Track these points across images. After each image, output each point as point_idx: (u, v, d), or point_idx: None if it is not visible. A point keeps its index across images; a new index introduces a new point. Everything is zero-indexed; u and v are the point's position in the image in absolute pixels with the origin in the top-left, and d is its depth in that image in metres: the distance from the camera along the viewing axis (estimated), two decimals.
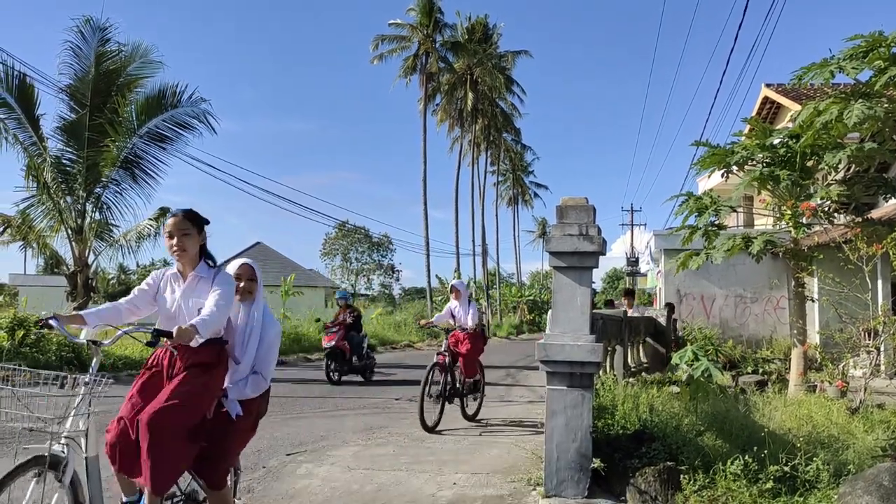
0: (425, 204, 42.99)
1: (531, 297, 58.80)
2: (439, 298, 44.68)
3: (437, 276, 48.34)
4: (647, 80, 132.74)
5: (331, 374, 13.80)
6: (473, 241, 51.21)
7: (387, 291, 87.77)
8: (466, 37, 47.25)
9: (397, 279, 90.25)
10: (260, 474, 6.18)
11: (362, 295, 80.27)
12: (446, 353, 8.88)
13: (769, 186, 9.51)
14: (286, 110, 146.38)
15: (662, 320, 12.37)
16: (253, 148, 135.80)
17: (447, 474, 6.27)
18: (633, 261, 45.26)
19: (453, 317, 9.50)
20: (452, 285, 10.05)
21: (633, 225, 51.63)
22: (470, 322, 9.30)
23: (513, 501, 5.41)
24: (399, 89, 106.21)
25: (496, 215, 61.30)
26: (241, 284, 3.97)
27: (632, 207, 53.19)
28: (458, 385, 9.05)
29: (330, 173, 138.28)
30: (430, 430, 8.31)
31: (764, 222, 15.55)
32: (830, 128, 8.41)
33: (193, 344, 3.48)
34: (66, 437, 3.26)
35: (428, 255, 42.30)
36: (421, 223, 43.16)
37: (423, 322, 10.77)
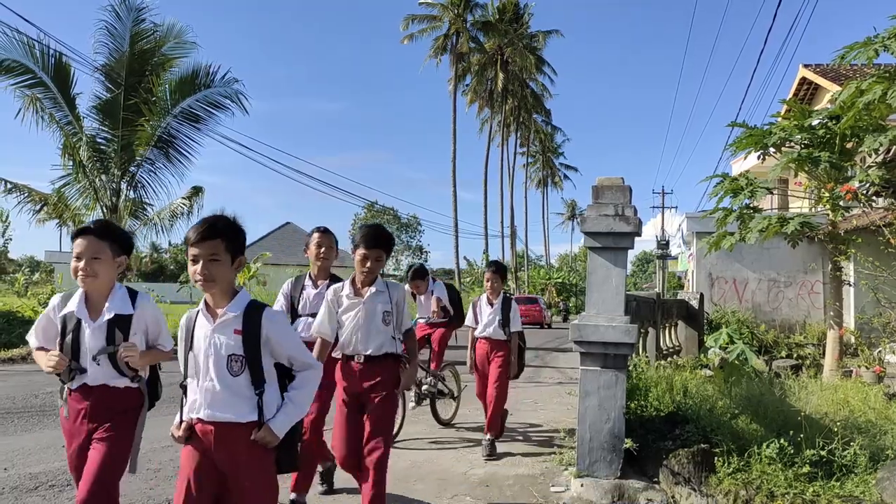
0: (454, 185, 43.05)
1: (559, 280, 58.69)
2: (467, 280, 44.75)
3: (465, 257, 48.55)
4: (682, 61, 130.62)
5: None
6: (502, 222, 51.06)
7: None
8: (497, 16, 46.89)
9: (426, 260, 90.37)
10: None
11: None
12: None
13: (807, 168, 9.32)
14: (316, 90, 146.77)
15: (695, 304, 12.24)
16: (283, 128, 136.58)
17: (479, 453, 6.29)
18: (663, 244, 44.76)
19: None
20: None
21: (664, 207, 51.01)
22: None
23: (545, 481, 5.42)
24: (429, 70, 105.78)
25: (525, 197, 61.14)
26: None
27: (663, 190, 52.46)
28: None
29: (359, 154, 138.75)
30: None
31: (799, 205, 15.27)
32: (872, 109, 8.20)
33: None
34: None
35: (456, 237, 42.37)
36: (450, 204, 43.42)
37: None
